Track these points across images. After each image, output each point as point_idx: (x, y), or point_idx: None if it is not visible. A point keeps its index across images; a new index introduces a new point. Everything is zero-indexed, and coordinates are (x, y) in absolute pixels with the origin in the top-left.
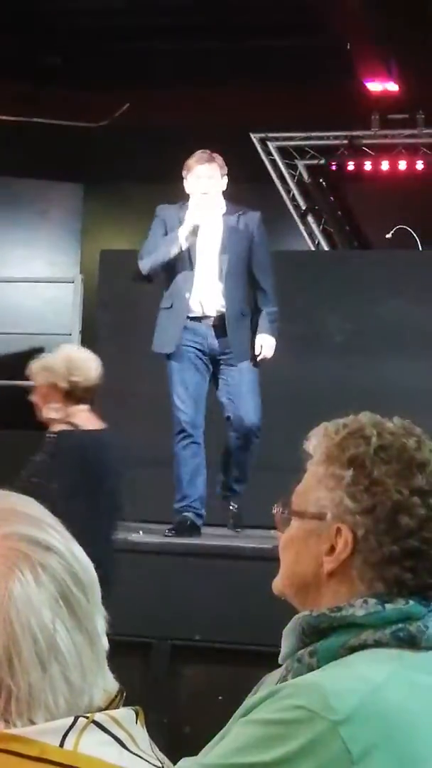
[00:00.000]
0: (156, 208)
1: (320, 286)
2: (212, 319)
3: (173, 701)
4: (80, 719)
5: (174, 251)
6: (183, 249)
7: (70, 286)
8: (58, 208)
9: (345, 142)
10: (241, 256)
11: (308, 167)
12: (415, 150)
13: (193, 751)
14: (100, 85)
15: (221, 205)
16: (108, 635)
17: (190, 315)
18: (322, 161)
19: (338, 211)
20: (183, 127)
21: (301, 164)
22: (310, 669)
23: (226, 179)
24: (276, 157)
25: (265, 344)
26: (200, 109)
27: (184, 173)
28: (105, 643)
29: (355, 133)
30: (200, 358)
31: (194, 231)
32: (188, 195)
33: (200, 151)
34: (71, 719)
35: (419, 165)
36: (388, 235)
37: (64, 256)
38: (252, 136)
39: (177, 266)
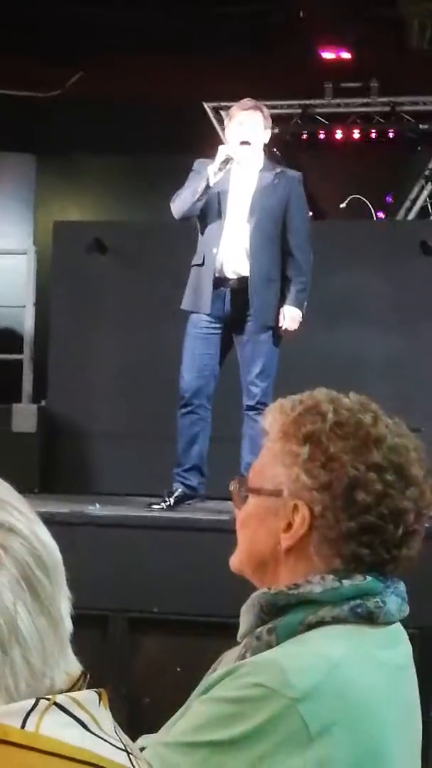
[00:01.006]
0: (194, 162)
1: None
2: (233, 281)
3: (132, 673)
4: (41, 701)
5: (202, 186)
6: (211, 184)
7: (23, 258)
8: (9, 178)
9: (299, 111)
10: (273, 217)
11: None
12: (369, 119)
13: (153, 722)
14: (53, 54)
15: (260, 159)
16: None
17: (215, 275)
18: (276, 130)
19: None
20: (137, 97)
21: None
22: (269, 646)
23: (269, 132)
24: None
25: (288, 316)
26: (154, 79)
27: (225, 121)
28: (69, 625)
29: (308, 102)
30: (215, 325)
31: (225, 163)
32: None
33: (246, 99)
34: (32, 701)
35: (373, 134)
36: (343, 205)
37: (17, 227)
38: (205, 105)
39: (207, 218)
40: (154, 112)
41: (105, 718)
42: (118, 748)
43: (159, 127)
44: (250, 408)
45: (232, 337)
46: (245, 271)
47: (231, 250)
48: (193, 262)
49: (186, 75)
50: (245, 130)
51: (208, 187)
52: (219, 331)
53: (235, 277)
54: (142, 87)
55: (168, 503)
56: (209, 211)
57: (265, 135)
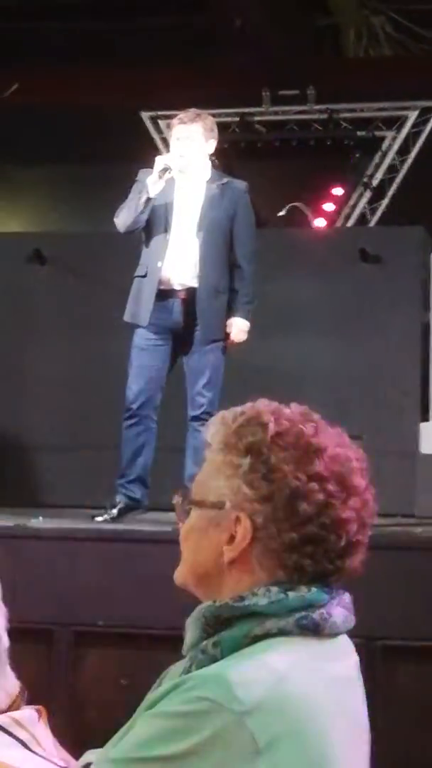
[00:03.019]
0: (138, 172)
1: None
2: (181, 292)
3: (77, 687)
4: None
5: (143, 198)
6: (151, 195)
7: None
8: None
9: (237, 119)
10: (221, 229)
11: None
12: (306, 126)
13: (98, 735)
14: None
15: (204, 170)
16: (10, 623)
17: (159, 287)
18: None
19: None
20: (75, 107)
21: None
22: (214, 660)
23: (213, 143)
24: (167, 135)
25: (236, 327)
26: (92, 89)
27: (167, 132)
28: (6, 642)
29: (246, 110)
30: (162, 336)
31: (163, 172)
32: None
33: (189, 110)
34: None
35: (311, 141)
36: (282, 213)
37: None
38: (142, 114)
39: (153, 230)
40: (92, 122)
41: (45, 736)
42: (58, 766)
43: (98, 136)
44: (195, 418)
45: (179, 347)
46: (193, 283)
47: (178, 262)
48: (136, 274)
49: (123, 84)
50: (181, 144)
51: (149, 198)
52: (166, 343)
53: (183, 288)
54: (80, 96)
55: (111, 515)
56: (155, 223)
57: (207, 146)
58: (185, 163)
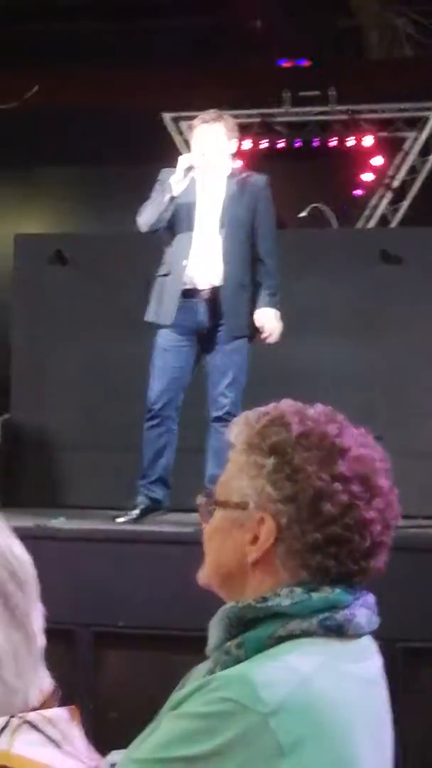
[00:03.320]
0: (160, 172)
1: None
2: (205, 291)
3: (98, 688)
4: (13, 719)
5: (167, 197)
6: (175, 194)
7: None
8: None
9: (257, 120)
10: (242, 224)
11: None
12: (327, 127)
13: (120, 736)
14: (8, 66)
15: (226, 168)
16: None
17: (184, 286)
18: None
19: None
20: (95, 108)
21: None
22: (238, 661)
23: (235, 142)
24: (188, 137)
25: (267, 317)
26: (112, 90)
27: (187, 132)
28: (42, 641)
29: (267, 111)
30: (186, 337)
31: (188, 171)
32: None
33: (209, 111)
34: (5, 719)
35: (332, 142)
36: (303, 214)
37: None
38: (164, 115)
39: (176, 229)
40: (112, 123)
41: (76, 735)
42: (89, 766)
43: (118, 137)
44: (218, 419)
45: (203, 348)
46: (218, 281)
47: (203, 260)
48: (158, 273)
49: (144, 85)
50: (204, 144)
51: (172, 197)
52: (189, 344)
53: (208, 287)
54: (100, 97)
55: (132, 516)
56: (178, 222)
57: (229, 145)
58: (208, 162)
